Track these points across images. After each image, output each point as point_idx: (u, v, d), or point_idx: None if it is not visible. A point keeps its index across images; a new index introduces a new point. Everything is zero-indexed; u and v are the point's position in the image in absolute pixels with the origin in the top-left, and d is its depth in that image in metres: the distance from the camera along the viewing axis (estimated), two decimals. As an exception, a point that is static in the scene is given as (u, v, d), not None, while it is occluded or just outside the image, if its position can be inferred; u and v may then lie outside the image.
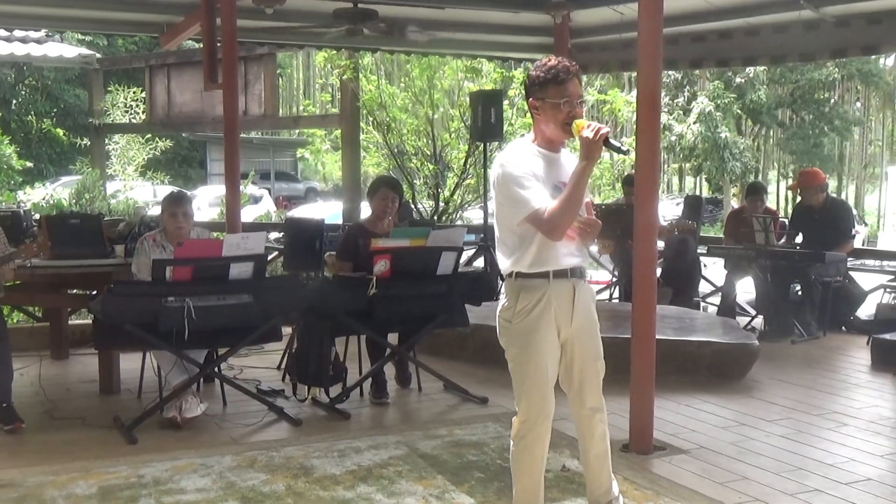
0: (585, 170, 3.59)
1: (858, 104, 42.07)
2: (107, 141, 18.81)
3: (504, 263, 3.79)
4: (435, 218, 13.52)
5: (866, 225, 32.95)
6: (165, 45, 9.88)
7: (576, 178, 3.59)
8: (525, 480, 3.84)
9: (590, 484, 4.04)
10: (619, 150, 3.69)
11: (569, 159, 3.81)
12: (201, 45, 9.09)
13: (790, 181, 33.77)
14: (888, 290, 8.92)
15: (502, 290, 3.86)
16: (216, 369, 6.23)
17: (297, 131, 28.59)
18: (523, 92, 4.13)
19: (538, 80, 3.71)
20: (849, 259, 9.41)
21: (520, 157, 3.70)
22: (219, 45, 8.31)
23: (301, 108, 30.02)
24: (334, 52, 12.42)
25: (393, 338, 6.63)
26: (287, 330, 6.77)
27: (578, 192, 3.59)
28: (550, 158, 3.76)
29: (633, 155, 5.46)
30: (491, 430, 5.63)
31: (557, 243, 3.67)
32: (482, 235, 10.65)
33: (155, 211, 8.41)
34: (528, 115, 13.24)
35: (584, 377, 3.87)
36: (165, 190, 7.37)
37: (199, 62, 9.55)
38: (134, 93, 19.95)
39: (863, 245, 25.11)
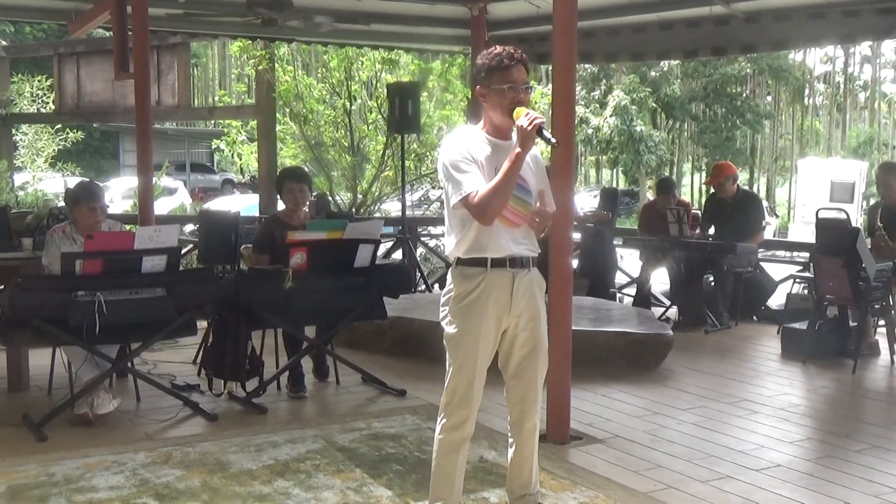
0: (518, 157, 3.59)
1: (769, 98, 43.11)
2: (14, 131, 18.30)
3: (447, 245, 3.83)
4: (353, 210, 13.47)
5: (777, 217, 33.70)
6: (74, 33, 9.65)
7: (508, 164, 3.59)
8: (442, 461, 3.85)
9: (511, 474, 4.04)
10: (549, 142, 3.70)
11: None
12: (112, 34, 8.89)
13: (704, 174, 34.41)
14: (798, 280, 9.15)
15: (447, 275, 3.86)
16: (129, 364, 6.12)
17: (212, 122, 28.21)
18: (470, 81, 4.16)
19: (484, 67, 3.72)
20: (760, 250, 9.61)
21: (463, 142, 3.71)
22: (130, 33, 8.14)
23: (216, 98, 29.58)
24: (249, 42, 12.26)
25: (310, 331, 6.59)
26: (202, 324, 6.67)
27: (510, 177, 3.58)
28: (498, 145, 3.75)
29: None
30: (409, 423, 5.63)
31: (499, 229, 3.68)
32: (400, 228, 10.63)
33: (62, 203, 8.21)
34: (446, 107, 13.29)
35: (521, 368, 3.87)
36: (76, 182, 7.16)
37: (110, 51, 9.35)
38: (39, 81, 19.44)
39: (774, 236, 25.72)
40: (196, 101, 31.11)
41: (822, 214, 7.99)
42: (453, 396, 3.78)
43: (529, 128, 3.55)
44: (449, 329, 3.78)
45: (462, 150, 3.66)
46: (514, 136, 3.71)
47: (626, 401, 6.27)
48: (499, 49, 3.73)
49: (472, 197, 3.57)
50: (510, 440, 4.00)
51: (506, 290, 3.75)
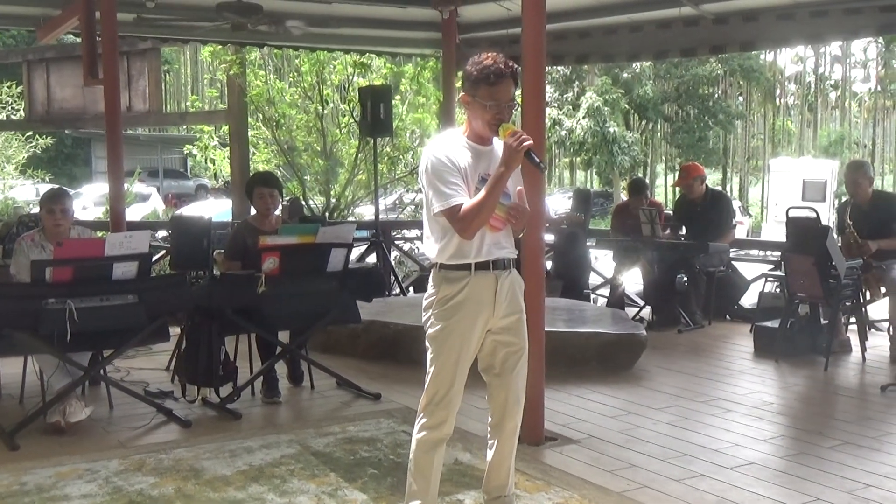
0: (503, 176, 3.61)
1: (741, 99, 43.43)
2: (-18, 139, 18.18)
3: (429, 251, 3.83)
4: (326, 214, 13.44)
5: (751, 216, 33.92)
6: (43, 39, 9.59)
7: (493, 182, 3.62)
8: (419, 460, 3.85)
9: (488, 475, 4.05)
10: (537, 166, 3.73)
11: (501, 149, 3.77)
12: (81, 40, 8.84)
13: (677, 174, 34.57)
14: (770, 279, 9.20)
15: (430, 277, 3.87)
16: (101, 372, 6.07)
17: (185, 127, 28.09)
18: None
19: (471, 76, 3.68)
20: (732, 249, 9.67)
21: (446, 149, 3.71)
22: (99, 39, 8.09)
23: (188, 103, 29.46)
24: (220, 47, 12.22)
25: (284, 336, 6.57)
26: (175, 330, 6.63)
27: (494, 195, 3.61)
28: (479, 151, 3.76)
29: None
30: (384, 426, 5.62)
31: (482, 235, 3.70)
32: (374, 231, 10.62)
33: (35, 210, 8.17)
34: (419, 110, 13.27)
35: (506, 367, 3.90)
36: (47, 188, 7.14)
37: (80, 57, 9.30)
38: (9, 87, 19.30)
39: (748, 236, 25.89)
40: (168, 107, 31.03)
41: (793, 213, 8.05)
42: (434, 397, 3.79)
43: (518, 149, 3.57)
44: (432, 331, 3.79)
45: (445, 159, 3.66)
46: (495, 143, 3.76)
47: (600, 401, 6.28)
48: (489, 60, 3.67)
49: (456, 212, 3.60)
50: (490, 441, 4.01)
51: (489, 292, 3.78)
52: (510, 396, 3.90)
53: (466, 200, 3.62)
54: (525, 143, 3.58)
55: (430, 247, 3.82)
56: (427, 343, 3.83)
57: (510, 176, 3.66)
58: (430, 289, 3.83)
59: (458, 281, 3.73)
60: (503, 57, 3.71)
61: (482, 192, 3.62)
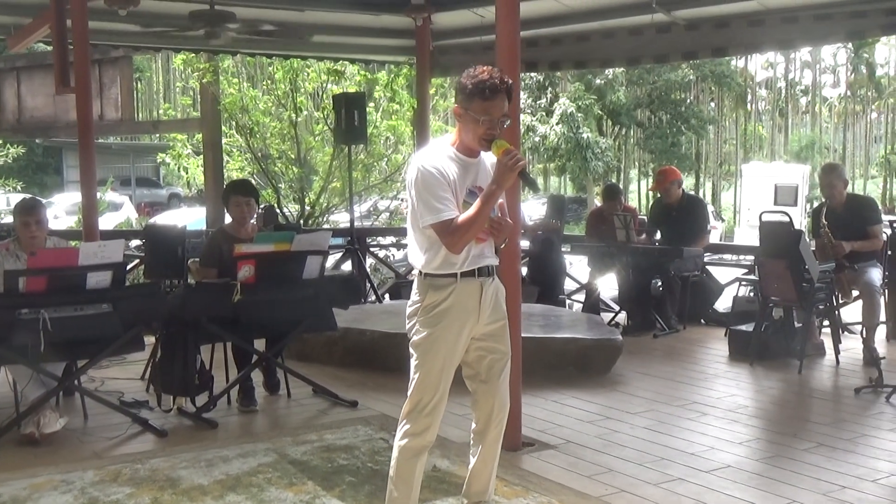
0: (494, 194, 3.63)
1: (713, 104, 43.70)
2: (-47, 148, 18.02)
3: (415, 261, 3.83)
4: (301, 222, 13.41)
5: (723, 221, 34.10)
6: (13, 48, 9.52)
7: (484, 199, 3.63)
8: (402, 467, 3.84)
9: (469, 481, 4.07)
10: (532, 186, 3.74)
11: (488, 161, 3.80)
12: (52, 48, 8.78)
13: (651, 179, 34.75)
14: (743, 283, 9.26)
15: (414, 284, 3.87)
16: (76, 382, 6.01)
17: (157, 136, 27.94)
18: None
19: (466, 89, 3.66)
20: (706, 254, 9.72)
21: (437, 161, 3.69)
22: (70, 47, 8.04)
23: (161, 112, 29.33)
24: (193, 55, 12.18)
25: (260, 344, 6.54)
26: (150, 339, 6.59)
27: (484, 213, 3.63)
28: (467, 164, 3.76)
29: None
30: (361, 434, 5.61)
31: (468, 246, 3.71)
32: (349, 238, 10.60)
33: (7, 220, 8.10)
34: (393, 117, 13.28)
35: (492, 374, 3.91)
36: (19, 198, 7.09)
37: (52, 65, 9.24)
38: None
39: (721, 240, 26.03)
40: (140, 115, 30.87)
41: (766, 218, 8.11)
42: (418, 404, 3.79)
43: (512, 167, 3.58)
44: (417, 338, 3.79)
45: (436, 172, 3.65)
46: (483, 155, 3.77)
47: (577, 406, 6.30)
48: (485, 74, 3.65)
49: (447, 226, 3.61)
50: (473, 447, 4.02)
51: (474, 299, 3.79)
52: (496, 403, 3.93)
53: (457, 215, 3.63)
54: (520, 164, 3.59)
55: (415, 257, 3.82)
56: (411, 350, 3.82)
57: (501, 194, 3.68)
58: (415, 296, 3.83)
59: (444, 288, 3.74)
60: (499, 71, 3.70)
61: (473, 209, 3.63)
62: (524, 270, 9.57)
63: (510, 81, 3.72)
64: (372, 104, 13.72)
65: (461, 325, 3.77)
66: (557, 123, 32.03)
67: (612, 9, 8.90)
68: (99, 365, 6.32)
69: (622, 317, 9.53)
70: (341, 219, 15.27)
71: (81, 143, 8.13)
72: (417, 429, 3.80)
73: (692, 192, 18.66)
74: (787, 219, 8.00)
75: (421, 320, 3.77)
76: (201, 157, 14.19)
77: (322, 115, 13.92)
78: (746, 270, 9.97)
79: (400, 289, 9.84)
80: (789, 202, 26.28)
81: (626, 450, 5.32)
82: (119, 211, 25.94)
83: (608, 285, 10.09)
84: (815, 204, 12.49)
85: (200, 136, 13.74)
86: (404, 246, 12.92)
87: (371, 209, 17.44)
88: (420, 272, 3.80)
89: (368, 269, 11.44)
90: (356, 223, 11.40)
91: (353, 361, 7.36)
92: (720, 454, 5.25)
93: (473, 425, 4.00)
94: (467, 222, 3.61)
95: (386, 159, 14.40)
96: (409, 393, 3.82)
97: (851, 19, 8.09)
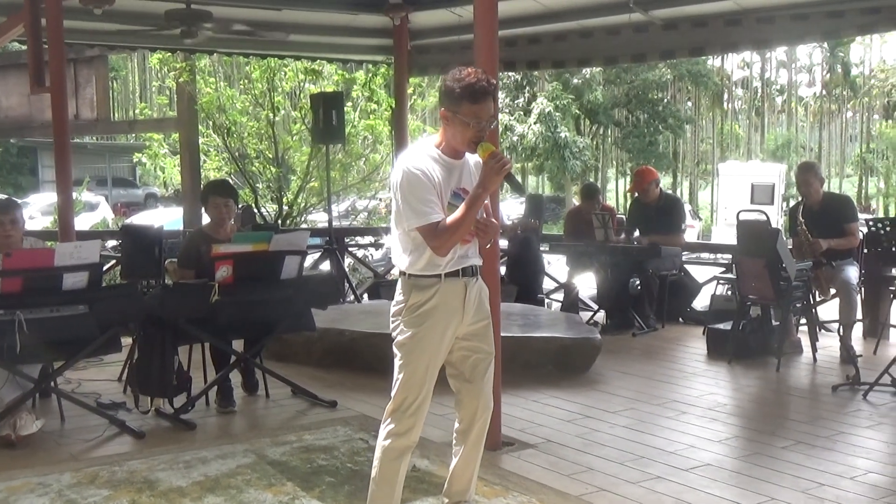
0: (480, 197, 3.62)
1: (690, 104, 43.92)
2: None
3: (399, 262, 3.82)
4: (279, 222, 13.36)
5: (701, 220, 34.29)
6: (-13, 48, 9.44)
7: (469, 202, 3.62)
8: (385, 468, 3.83)
9: (451, 480, 4.07)
10: (518, 189, 3.74)
11: (473, 163, 3.80)
12: (26, 47, 8.70)
13: (628, 178, 34.88)
14: (721, 281, 9.29)
15: (397, 284, 3.86)
16: (52, 384, 5.97)
17: (133, 136, 27.79)
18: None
19: (453, 92, 3.64)
20: (684, 253, 9.75)
21: (422, 163, 3.67)
22: (45, 46, 7.97)
23: (137, 111, 29.19)
24: (169, 54, 12.11)
25: (238, 344, 6.51)
26: (127, 340, 6.55)
27: (470, 216, 3.62)
28: (451, 165, 3.75)
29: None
30: (340, 434, 5.59)
31: (454, 247, 3.71)
32: (328, 238, 10.57)
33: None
34: (371, 116, 13.25)
35: (476, 373, 3.92)
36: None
37: (26, 64, 9.16)
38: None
39: (698, 239, 26.18)
40: (116, 115, 30.70)
41: (743, 217, 8.14)
42: (402, 404, 3.78)
43: (499, 170, 3.58)
44: (401, 338, 3.79)
45: (422, 175, 3.64)
46: (467, 156, 3.76)
47: (556, 405, 6.30)
48: (472, 77, 3.63)
49: (433, 229, 3.60)
50: (455, 447, 4.02)
51: (459, 299, 3.79)
52: (481, 403, 3.94)
53: (443, 218, 3.62)
54: (507, 168, 3.59)
55: (399, 258, 3.81)
56: (395, 350, 3.81)
57: (487, 197, 3.67)
58: (399, 296, 3.82)
59: (429, 288, 3.73)
60: (483, 73, 3.69)
61: (459, 213, 3.62)
62: (503, 270, 9.57)
63: (495, 82, 3.72)
64: (350, 104, 13.70)
65: (446, 324, 3.76)
66: (535, 123, 32.11)
67: (590, 8, 8.93)
68: (76, 366, 6.30)
69: (601, 316, 9.55)
70: (319, 218, 15.24)
71: (57, 143, 8.06)
72: (401, 429, 3.79)
73: (670, 192, 18.74)
74: (764, 217, 8.03)
75: (405, 320, 3.76)
76: (178, 156, 14.11)
77: (300, 115, 13.88)
78: (724, 269, 10.01)
79: (379, 289, 9.82)
80: (766, 201, 26.46)
81: (605, 448, 5.33)
82: (95, 211, 25.80)
83: (587, 284, 10.11)
84: (792, 202, 12.56)
85: (177, 135, 13.67)
86: (382, 246, 12.99)
87: (349, 209, 17.42)
88: (404, 273, 3.79)
89: (347, 269, 11.42)
90: (334, 223, 11.36)
91: (332, 362, 7.33)
92: (700, 452, 5.26)
93: (457, 425, 3.99)
94: (454, 225, 3.61)
95: (364, 159, 14.37)
96: (392, 393, 3.81)
97: (828, 19, 8.14)
